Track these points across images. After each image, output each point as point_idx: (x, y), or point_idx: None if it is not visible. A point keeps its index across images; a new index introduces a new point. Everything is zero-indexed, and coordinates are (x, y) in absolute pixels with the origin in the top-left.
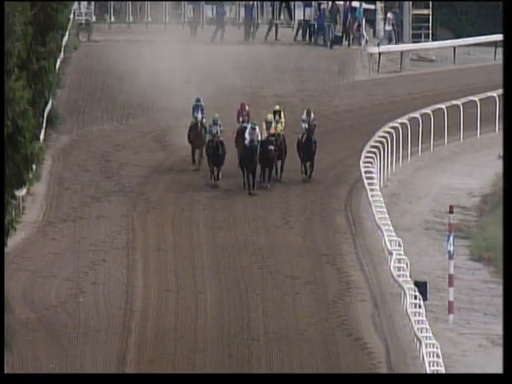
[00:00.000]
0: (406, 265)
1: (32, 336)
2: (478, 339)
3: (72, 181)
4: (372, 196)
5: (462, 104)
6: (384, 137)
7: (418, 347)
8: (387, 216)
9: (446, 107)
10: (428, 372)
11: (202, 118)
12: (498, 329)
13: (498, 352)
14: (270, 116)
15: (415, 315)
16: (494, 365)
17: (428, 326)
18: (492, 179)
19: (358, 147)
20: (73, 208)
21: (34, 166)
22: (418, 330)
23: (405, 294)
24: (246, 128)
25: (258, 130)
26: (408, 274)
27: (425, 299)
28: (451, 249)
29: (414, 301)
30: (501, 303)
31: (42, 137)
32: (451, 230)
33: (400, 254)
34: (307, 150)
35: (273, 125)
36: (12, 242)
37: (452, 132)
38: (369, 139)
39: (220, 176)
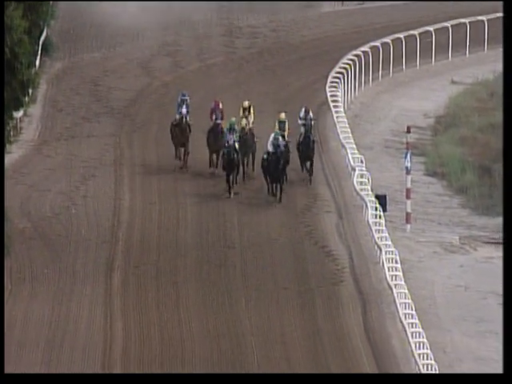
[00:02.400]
0: (368, 180)
1: (28, 244)
2: (433, 246)
3: (65, 103)
4: (337, 117)
5: (419, 34)
6: (348, 63)
7: (378, 254)
8: (350, 135)
9: (404, 37)
10: (388, 278)
11: (187, 113)
12: (451, 237)
13: (451, 258)
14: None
15: (376, 225)
16: (446, 269)
17: (387, 235)
18: (445, 102)
19: (324, 73)
20: (65, 128)
21: (30, 91)
22: (378, 238)
23: (366, 205)
24: (218, 125)
25: (281, 139)
26: (369, 187)
27: (384, 210)
28: (408, 165)
29: (374, 212)
30: (453, 214)
31: (37, 63)
32: (408, 147)
33: (362, 170)
34: (306, 148)
35: (243, 121)
36: (10, 158)
37: (409, 59)
38: (334, 66)
39: (235, 185)
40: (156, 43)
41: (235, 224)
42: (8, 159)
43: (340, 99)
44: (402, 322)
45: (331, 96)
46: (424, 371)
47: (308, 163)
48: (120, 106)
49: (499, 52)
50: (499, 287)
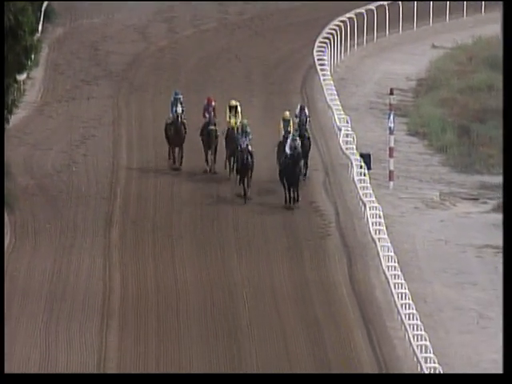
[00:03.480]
0: (353, 139)
1: (31, 200)
2: (415, 202)
3: (66, 67)
4: (324, 80)
5: (402, 1)
6: (334, 29)
7: (362, 209)
8: (337, 97)
9: (388, 4)
10: (372, 232)
11: (183, 111)
12: (431, 193)
13: (432, 213)
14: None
15: (360, 182)
16: (427, 224)
17: (371, 192)
18: (426, 66)
19: (312, 38)
20: (66, 90)
21: (32, 55)
22: (363, 194)
23: (352, 164)
24: (210, 122)
25: (298, 140)
26: (354, 147)
27: (369, 168)
28: (391, 125)
29: (359, 170)
30: (434, 172)
31: (39, 29)
32: (391, 109)
33: (348, 130)
34: (301, 146)
35: (232, 119)
36: (14, 119)
37: (392, 25)
38: (321, 32)
39: (249, 191)
40: (152, 10)
41: (227, 181)
42: (11, 119)
43: (327, 63)
44: (385, 273)
45: (318, 60)
46: (406, 321)
47: (302, 161)
48: (118, 70)
49: (478, 18)
50: (478, 241)
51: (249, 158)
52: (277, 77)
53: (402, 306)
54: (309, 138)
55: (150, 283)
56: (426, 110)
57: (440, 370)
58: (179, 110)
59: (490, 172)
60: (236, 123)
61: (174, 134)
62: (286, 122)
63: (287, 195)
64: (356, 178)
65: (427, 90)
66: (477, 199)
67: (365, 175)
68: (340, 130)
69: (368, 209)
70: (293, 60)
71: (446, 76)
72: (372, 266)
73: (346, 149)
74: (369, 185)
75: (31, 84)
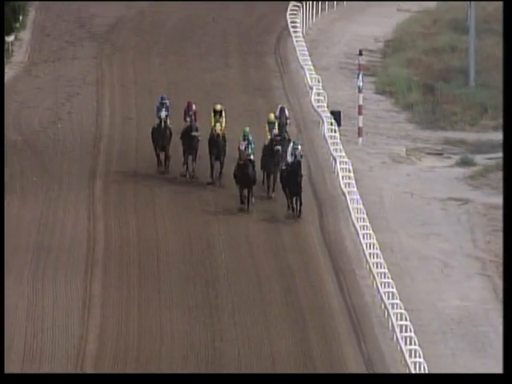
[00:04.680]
0: (324, 97)
1: (19, 155)
2: (382, 157)
3: (51, 29)
4: (296, 42)
5: None
6: None
7: (333, 164)
8: (308, 58)
9: None
10: (342, 185)
11: (167, 117)
12: (398, 149)
13: (398, 168)
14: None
15: (331, 138)
16: (394, 177)
17: (341, 147)
18: (393, 28)
19: (285, 2)
20: (52, 51)
21: (20, 17)
22: (333, 150)
23: (323, 121)
24: (191, 127)
25: (300, 148)
26: (325, 104)
27: (339, 125)
28: (360, 84)
29: (330, 127)
30: (400, 128)
31: None
32: (360, 69)
33: (319, 89)
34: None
35: (217, 125)
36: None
37: None
38: None
39: (253, 200)
40: None
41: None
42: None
43: (299, 25)
44: (354, 224)
45: (291, 22)
46: (374, 269)
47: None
48: (101, 32)
49: None
50: (442, 194)
51: (251, 167)
52: (252, 38)
53: (370, 255)
54: (289, 140)
55: (132, 233)
56: (393, 70)
57: (406, 315)
58: (163, 114)
59: (454, 128)
60: (221, 129)
61: (160, 138)
62: (272, 124)
63: (290, 204)
64: (327, 134)
65: (394, 51)
66: (441, 154)
67: (335, 131)
68: (312, 88)
69: (338, 163)
70: (267, 23)
71: (412, 38)
72: (342, 218)
73: (318, 106)
74: (339, 141)
75: (19, 45)
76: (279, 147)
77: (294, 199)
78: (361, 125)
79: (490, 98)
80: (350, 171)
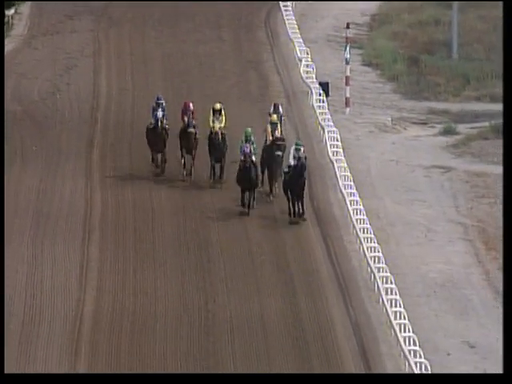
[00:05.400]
0: (313, 69)
1: (19, 125)
2: (369, 127)
3: (50, 3)
4: (286, 15)
5: None
6: None
7: (321, 133)
8: (298, 31)
9: None
10: (330, 154)
11: (163, 117)
12: (384, 118)
13: (384, 137)
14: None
15: (320, 108)
16: (380, 146)
17: (329, 117)
18: (379, 2)
19: None
20: (51, 24)
21: None
22: (321, 119)
23: (311, 91)
24: (188, 124)
25: (302, 149)
26: (314, 76)
27: (327, 96)
28: (347, 56)
29: (318, 97)
30: (386, 99)
31: None
32: (347, 41)
33: (308, 61)
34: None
35: (216, 123)
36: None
37: None
38: None
39: (254, 203)
40: None
41: (199, 111)
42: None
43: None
44: (341, 191)
45: None
46: (361, 235)
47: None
48: (98, 6)
49: None
50: (426, 161)
51: (253, 169)
52: (243, 13)
53: (357, 221)
54: (283, 140)
55: (128, 201)
56: (379, 43)
57: (391, 278)
58: (159, 114)
59: (437, 99)
60: (220, 128)
61: (155, 139)
62: (274, 124)
63: (292, 208)
64: (315, 105)
65: (380, 25)
66: (425, 124)
67: (323, 102)
68: (301, 60)
69: (326, 133)
70: None
71: (397, 12)
72: (330, 185)
73: (307, 78)
74: (327, 110)
75: (19, 18)
76: (280, 153)
77: (297, 202)
78: (348, 95)
79: (473, 69)
80: (337, 140)
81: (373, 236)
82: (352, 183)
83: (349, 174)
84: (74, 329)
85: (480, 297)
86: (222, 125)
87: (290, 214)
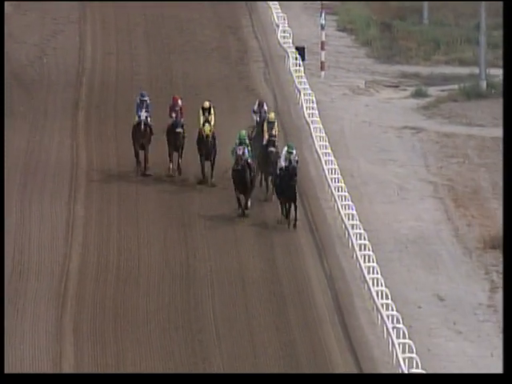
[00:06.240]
0: (289, 34)
1: (7, 87)
2: (343, 89)
3: None
4: None
5: None
6: None
7: (298, 96)
8: (276, 2)
9: None
10: (306, 115)
11: (147, 118)
12: (358, 81)
13: (358, 99)
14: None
15: (296, 72)
16: (354, 108)
17: (305, 80)
18: None
19: None
20: None
21: None
22: (298, 82)
23: (288, 56)
24: (176, 123)
25: (295, 152)
26: (291, 41)
27: (303, 60)
28: (323, 22)
29: (295, 61)
30: (360, 63)
31: None
32: (323, 8)
33: (285, 26)
34: (259, 144)
35: (206, 126)
36: None
37: None
38: None
39: (249, 204)
40: None
41: (180, 84)
42: None
43: None
44: (317, 151)
45: None
46: (335, 193)
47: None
48: None
49: None
50: (397, 123)
51: (247, 169)
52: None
53: (331, 180)
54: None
55: (112, 160)
56: (354, 10)
57: (365, 235)
58: (143, 115)
59: (409, 63)
60: (210, 130)
61: (139, 137)
62: (271, 123)
63: (283, 211)
64: (292, 68)
65: None
66: (397, 86)
67: (300, 66)
68: (278, 26)
69: (302, 95)
70: None
71: None
72: (306, 145)
73: (284, 43)
74: (303, 74)
75: None
76: (273, 149)
77: (288, 205)
78: (323, 59)
79: (443, 35)
80: (313, 102)
81: (347, 194)
82: (327, 143)
83: (324, 134)
84: (61, 284)
85: (449, 252)
86: (212, 124)
87: (282, 214)
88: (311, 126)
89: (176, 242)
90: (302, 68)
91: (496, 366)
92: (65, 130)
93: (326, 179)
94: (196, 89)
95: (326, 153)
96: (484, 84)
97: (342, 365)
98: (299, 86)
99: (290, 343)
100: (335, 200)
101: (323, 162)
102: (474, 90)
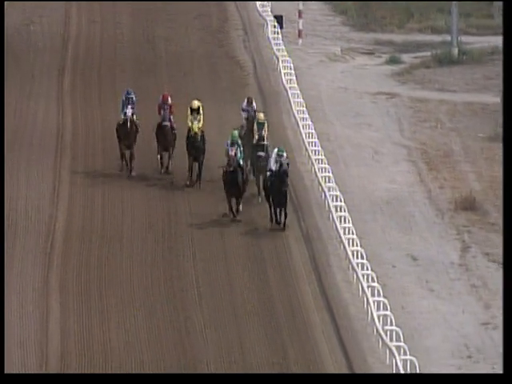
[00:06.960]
0: (268, 3)
1: None
2: (320, 56)
3: None
4: None
5: None
6: None
7: (276, 62)
8: None
9: None
10: (284, 81)
11: (133, 115)
12: (334, 49)
13: (334, 66)
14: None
15: (274, 39)
16: (330, 74)
17: (283, 47)
18: None
19: None
20: None
21: None
22: (276, 50)
23: (267, 24)
24: (164, 118)
25: (285, 155)
26: (269, 9)
27: (281, 28)
28: None
29: (273, 29)
30: (336, 30)
31: None
32: None
33: None
34: (249, 142)
35: (194, 124)
36: None
37: None
38: None
39: (241, 208)
40: None
41: (162, 51)
42: None
43: None
44: (295, 116)
45: None
46: (312, 156)
47: (288, 178)
48: None
49: None
50: (372, 88)
51: (239, 172)
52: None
53: (309, 143)
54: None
55: (97, 124)
56: None
57: (341, 197)
58: (129, 112)
59: (383, 30)
60: (198, 128)
61: (124, 136)
62: (260, 124)
63: (273, 216)
64: (270, 36)
65: None
66: (372, 53)
67: (278, 33)
68: None
69: (280, 62)
70: None
71: None
72: (284, 110)
73: (263, 11)
74: (281, 41)
75: None
76: (262, 153)
77: (278, 210)
78: (301, 27)
79: (416, 3)
80: (291, 69)
81: (323, 157)
82: (304, 108)
83: (301, 100)
84: (47, 243)
85: (422, 213)
86: (201, 124)
87: (271, 219)
88: (289, 92)
89: (159, 205)
90: (280, 36)
91: (467, 323)
92: (51, 95)
93: (304, 143)
94: (178, 55)
95: (303, 117)
96: (456, 51)
97: (320, 322)
98: (277, 53)
99: (269, 300)
100: (312, 163)
101: (301, 127)
102: (446, 57)
